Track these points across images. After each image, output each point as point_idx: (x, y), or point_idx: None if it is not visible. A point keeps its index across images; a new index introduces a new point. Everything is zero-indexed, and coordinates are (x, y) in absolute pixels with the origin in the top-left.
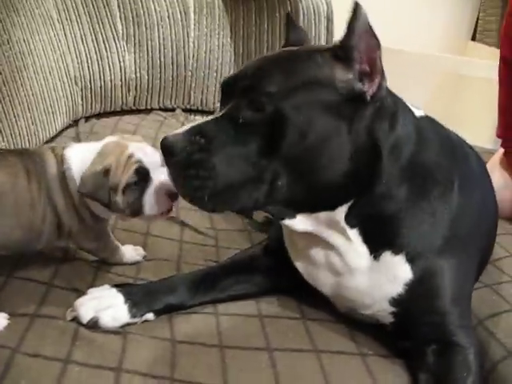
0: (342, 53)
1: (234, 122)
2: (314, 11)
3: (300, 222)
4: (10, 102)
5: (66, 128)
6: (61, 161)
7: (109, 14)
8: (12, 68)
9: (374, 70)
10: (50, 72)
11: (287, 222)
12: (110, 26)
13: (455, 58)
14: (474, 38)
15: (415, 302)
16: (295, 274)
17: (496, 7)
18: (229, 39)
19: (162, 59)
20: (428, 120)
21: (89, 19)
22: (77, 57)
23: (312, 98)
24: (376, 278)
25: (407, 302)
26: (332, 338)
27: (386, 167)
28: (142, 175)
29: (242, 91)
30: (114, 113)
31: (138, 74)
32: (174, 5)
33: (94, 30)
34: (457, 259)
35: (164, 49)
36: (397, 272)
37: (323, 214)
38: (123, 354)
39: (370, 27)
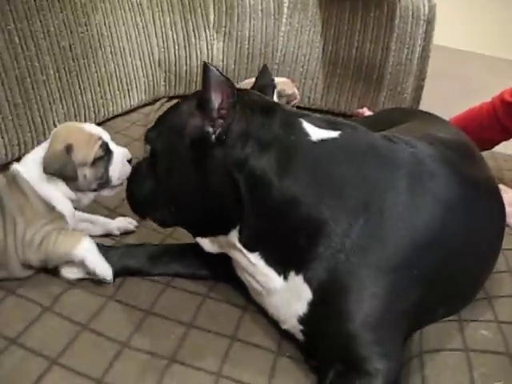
0: (201, 102)
1: (146, 160)
2: (413, 14)
3: (207, 244)
4: (76, 76)
5: (145, 105)
6: (8, 173)
7: (202, 4)
8: (85, 47)
9: (228, 114)
10: (130, 53)
11: (198, 240)
12: (202, 16)
13: None
14: None
15: (320, 321)
16: None
17: None
18: (319, 36)
19: (251, 50)
20: (334, 143)
21: (181, 8)
22: (163, 41)
23: (169, 142)
24: (286, 297)
25: (313, 322)
26: (261, 334)
27: (250, 200)
28: (106, 149)
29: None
30: None
31: (225, 62)
32: None
33: (184, 18)
34: (370, 285)
35: (253, 40)
36: (300, 291)
37: (221, 238)
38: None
39: (225, 79)
